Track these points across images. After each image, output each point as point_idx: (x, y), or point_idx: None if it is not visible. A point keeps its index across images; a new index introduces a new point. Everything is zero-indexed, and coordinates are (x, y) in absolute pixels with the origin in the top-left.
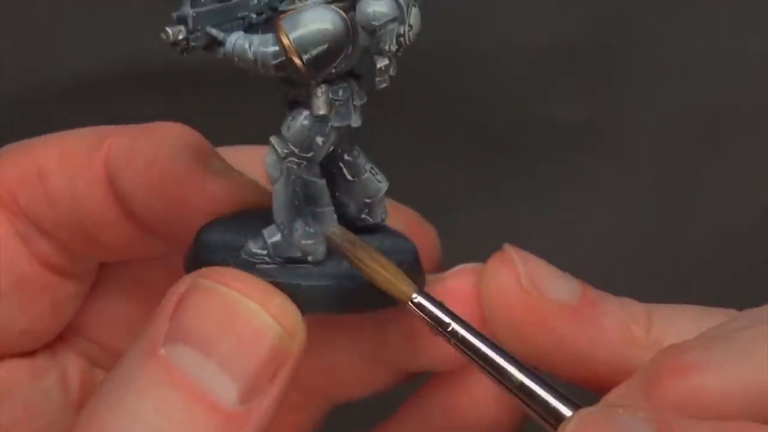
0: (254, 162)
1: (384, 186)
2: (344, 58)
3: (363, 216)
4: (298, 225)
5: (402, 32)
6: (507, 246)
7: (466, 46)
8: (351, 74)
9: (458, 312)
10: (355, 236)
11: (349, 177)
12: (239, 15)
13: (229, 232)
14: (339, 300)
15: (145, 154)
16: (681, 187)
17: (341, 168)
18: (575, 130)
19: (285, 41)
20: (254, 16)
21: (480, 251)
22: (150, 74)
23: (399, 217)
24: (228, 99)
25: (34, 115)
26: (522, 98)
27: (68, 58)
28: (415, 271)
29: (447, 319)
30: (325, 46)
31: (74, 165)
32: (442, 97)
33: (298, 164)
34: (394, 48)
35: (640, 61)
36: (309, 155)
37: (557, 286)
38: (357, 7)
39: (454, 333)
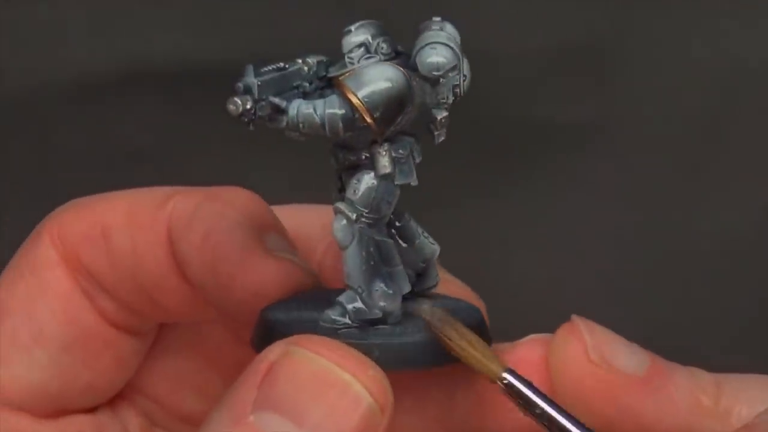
0: (303, 219)
1: (437, 248)
2: (407, 113)
3: (418, 280)
4: (378, 285)
5: (458, 82)
6: (575, 317)
7: (466, 46)
8: (406, 132)
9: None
10: (443, 312)
11: (403, 243)
12: (294, 84)
13: (293, 310)
14: (422, 356)
15: (205, 224)
16: (681, 187)
17: (394, 234)
18: (574, 130)
19: (354, 100)
20: (307, 85)
21: (480, 251)
22: (150, 74)
23: (450, 288)
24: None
25: (35, 116)
26: (522, 98)
27: (68, 58)
28: (484, 335)
29: (536, 399)
30: (393, 102)
31: (138, 224)
32: None
33: (369, 225)
34: (451, 100)
35: (640, 61)
36: (378, 216)
37: (625, 357)
38: (417, 58)
39: (543, 415)
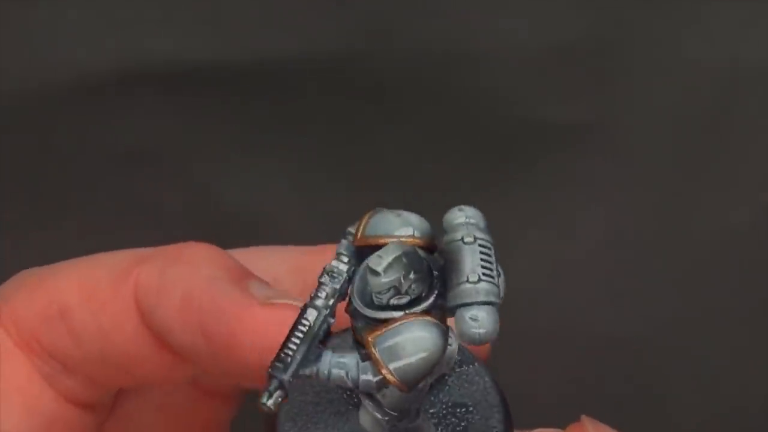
0: (267, 262)
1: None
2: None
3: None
4: None
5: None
6: (584, 418)
7: (466, 46)
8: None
9: None
10: None
11: None
12: (320, 334)
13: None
14: None
15: (180, 289)
16: (681, 187)
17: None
18: (575, 130)
19: (388, 376)
20: (331, 320)
21: None
22: (150, 74)
23: None
24: (228, 99)
25: (34, 116)
26: (521, 98)
27: (68, 58)
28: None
29: None
30: (427, 370)
31: (98, 300)
32: (442, 97)
33: (399, 421)
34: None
35: (640, 61)
36: (404, 414)
37: None
38: (455, 323)
39: None
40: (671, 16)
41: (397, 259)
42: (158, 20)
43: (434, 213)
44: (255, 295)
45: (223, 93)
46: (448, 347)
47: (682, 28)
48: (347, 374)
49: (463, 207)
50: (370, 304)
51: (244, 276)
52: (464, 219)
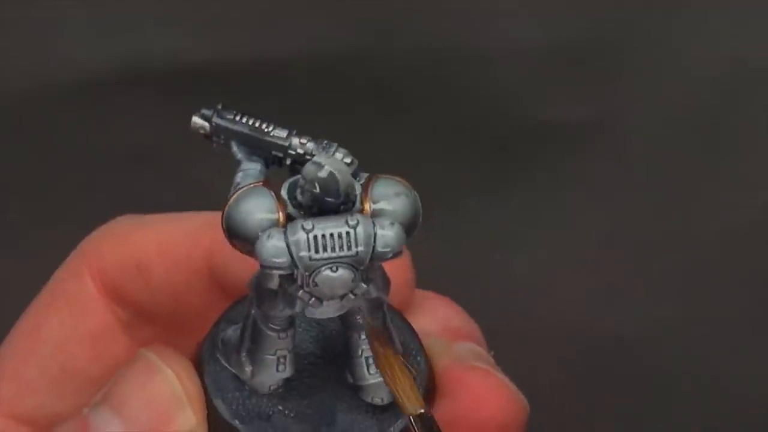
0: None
1: (372, 378)
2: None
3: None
4: (235, 355)
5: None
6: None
7: (466, 46)
8: None
9: None
10: (388, 338)
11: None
12: (272, 152)
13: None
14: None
15: None
16: (681, 187)
17: (347, 336)
18: (575, 130)
19: (224, 212)
20: (287, 162)
21: (479, 251)
22: (150, 74)
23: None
24: (228, 99)
25: (34, 116)
26: (522, 98)
27: (68, 58)
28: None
29: None
30: (246, 232)
31: (174, 258)
32: (442, 97)
33: (255, 305)
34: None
35: (640, 61)
36: (260, 305)
37: None
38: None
39: None
40: (671, 16)
41: (326, 169)
42: (158, 20)
43: (434, 213)
44: None
45: (223, 93)
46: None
47: (682, 28)
48: (237, 186)
49: (393, 227)
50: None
51: None
52: (381, 224)
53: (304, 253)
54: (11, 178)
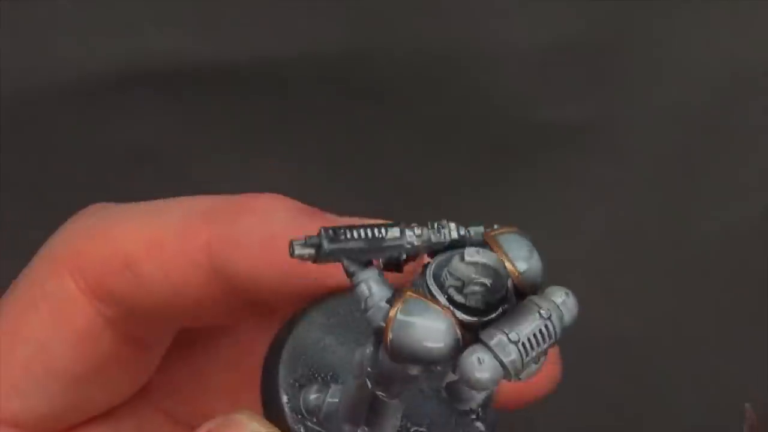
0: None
1: (479, 396)
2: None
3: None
4: (347, 426)
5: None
6: None
7: (466, 46)
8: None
9: None
10: None
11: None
12: (387, 253)
13: (329, 329)
14: None
15: (257, 235)
16: (681, 187)
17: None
18: (575, 130)
19: (390, 315)
20: (404, 256)
21: None
22: (150, 74)
23: None
24: (228, 99)
25: (34, 115)
26: (522, 98)
27: (68, 58)
28: None
29: None
30: (419, 353)
31: (165, 254)
32: (442, 96)
33: (373, 383)
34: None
35: (640, 61)
36: (386, 384)
37: None
38: (460, 362)
39: None
40: (671, 16)
41: (487, 263)
42: (158, 20)
43: (434, 212)
44: (335, 221)
45: (223, 93)
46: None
47: (682, 28)
48: (367, 299)
49: (570, 295)
50: (437, 280)
51: (317, 211)
52: (560, 300)
53: (517, 364)
54: (11, 178)
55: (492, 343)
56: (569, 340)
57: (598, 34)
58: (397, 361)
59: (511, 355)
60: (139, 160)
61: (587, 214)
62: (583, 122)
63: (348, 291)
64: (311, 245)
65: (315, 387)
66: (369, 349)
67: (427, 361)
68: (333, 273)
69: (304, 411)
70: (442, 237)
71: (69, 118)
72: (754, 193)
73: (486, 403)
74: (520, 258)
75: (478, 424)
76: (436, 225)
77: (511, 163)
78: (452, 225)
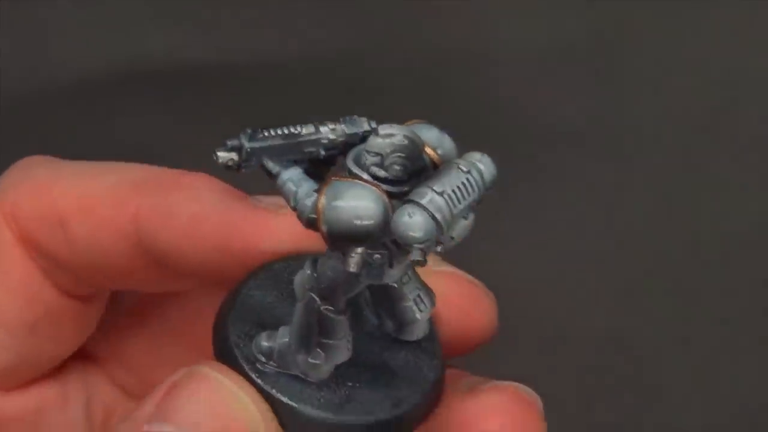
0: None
1: (422, 316)
2: (373, 245)
3: (400, 330)
4: (303, 354)
5: (438, 249)
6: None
7: (465, 46)
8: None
9: None
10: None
11: (387, 300)
12: (306, 150)
13: (273, 288)
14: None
15: (186, 211)
16: (681, 187)
17: (385, 288)
18: (575, 130)
19: (319, 206)
20: (323, 152)
21: (479, 251)
22: (150, 74)
23: (447, 282)
24: (228, 99)
25: (34, 115)
26: (522, 98)
27: (68, 58)
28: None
29: None
30: (353, 232)
31: (97, 218)
32: (441, 96)
33: (319, 298)
34: (422, 258)
35: (640, 61)
36: (332, 297)
37: None
38: (392, 222)
39: None
40: (672, 16)
41: (401, 135)
42: (158, 20)
43: None
44: (265, 208)
45: (223, 93)
46: (412, 314)
47: (682, 29)
48: (295, 194)
49: (484, 155)
50: (357, 162)
51: (244, 195)
52: (476, 159)
53: (445, 213)
54: None
55: (418, 197)
56: (570, 340)
57: (598, 34)
58: (336, 246)
59: (438, 204)
60: (138, 160)
61: (587, 214)
62: (582, 122)
63: (286, 257)
64: (232, 148)
65: (265, 334)
66: (307, 272)
67: (364, 234)
68: (264, 236)
69: (258, 356)
70: (356, 128)
71: (69, 118)
72: (754, 193)
73: (432, 336)
74: (433, 138)
75: (426, 353)
76: (347, 118)
77: (510, 163)
78: (363, 118)
